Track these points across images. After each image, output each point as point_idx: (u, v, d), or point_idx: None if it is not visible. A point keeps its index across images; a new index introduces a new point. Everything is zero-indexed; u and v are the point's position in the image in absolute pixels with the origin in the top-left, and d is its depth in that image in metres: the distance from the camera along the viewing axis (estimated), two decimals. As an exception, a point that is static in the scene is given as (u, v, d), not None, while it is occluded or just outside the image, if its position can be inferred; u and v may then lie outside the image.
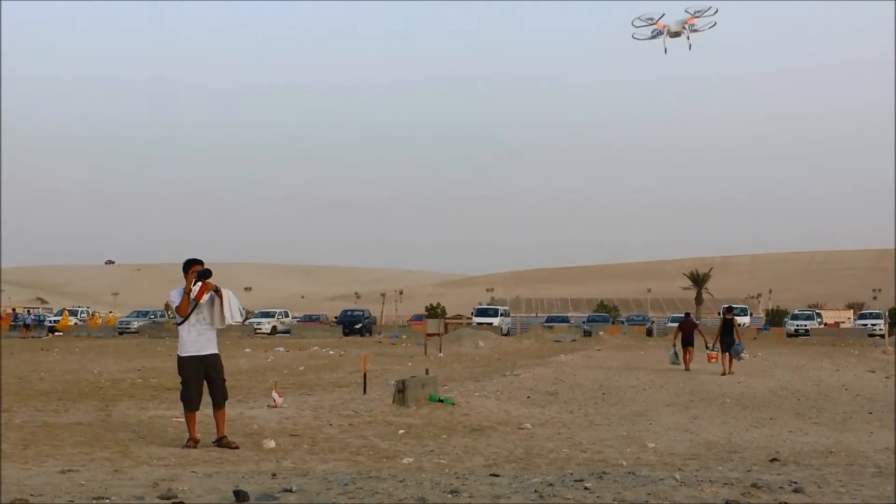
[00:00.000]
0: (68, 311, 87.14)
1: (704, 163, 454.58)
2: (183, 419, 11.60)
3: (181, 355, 11.22)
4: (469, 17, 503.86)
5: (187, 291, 11.04)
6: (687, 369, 27.66)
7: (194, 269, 11.05)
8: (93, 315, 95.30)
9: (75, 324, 77.41)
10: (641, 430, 13.82)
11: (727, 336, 27.07)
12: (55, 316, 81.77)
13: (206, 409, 11.40)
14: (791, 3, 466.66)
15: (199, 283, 11.05)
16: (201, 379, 11.22)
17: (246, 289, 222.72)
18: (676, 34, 34.60)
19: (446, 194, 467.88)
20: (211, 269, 11.15)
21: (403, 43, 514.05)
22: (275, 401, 15.36)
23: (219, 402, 11.31)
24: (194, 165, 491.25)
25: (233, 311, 11.23)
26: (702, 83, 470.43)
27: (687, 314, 31.84)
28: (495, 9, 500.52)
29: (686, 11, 34.65)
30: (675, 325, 30.71)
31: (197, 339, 11.14)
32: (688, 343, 28.74)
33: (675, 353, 28.48)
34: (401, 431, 13.02)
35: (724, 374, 25.71)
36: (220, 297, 11.13)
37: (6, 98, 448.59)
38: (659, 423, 14.69)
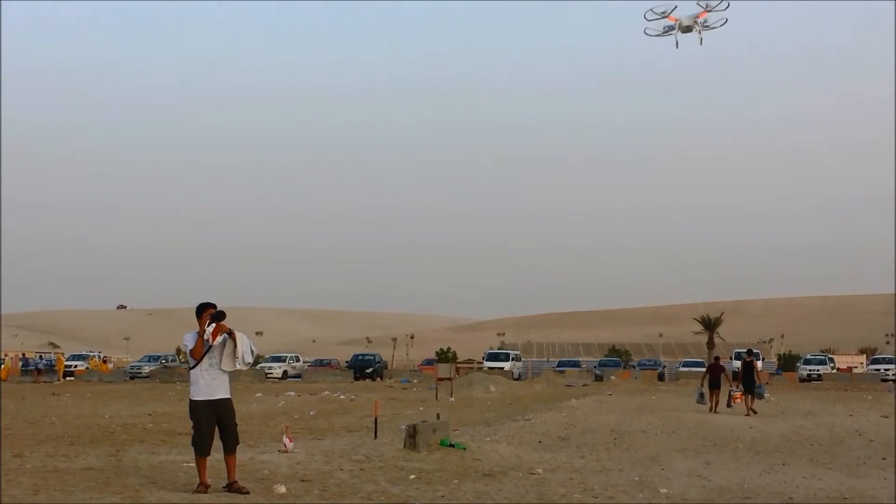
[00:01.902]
0: (63, 355, 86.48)
1: (716, 207, 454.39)
2: (194, 464, 11.58)
3: (193, 399, 11.21)
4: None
5: (201, 334, 11.06)
6: (714, 411, 28.48)
7: (208, 312, 11.07)
8: (104, 360, 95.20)
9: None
10: (654, 476, 13.75)
11: (748, 378, 28.53)
12: (75, 361, 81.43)
13: (217, 453, 11.38)
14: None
15: (214, 325, 11.07)
16: (213, 423, 11.19)
17: (257, 333, 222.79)
18: (688, 29, 34.46)
19: (457, 239, 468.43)
20: (224, 311, 11.17)
21: (420, 89, 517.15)
22: (286, 445, 15.34)
23: (230, 447, 11.28)
24: (205, 210, 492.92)
25: (244, 353, 11.23)
26: (710, 125, 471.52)
27: (717, 357, 32.50)
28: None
29: (698, 5, 34.51)
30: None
31: (209, 384, 11.12)
32: (715, 385, 29.47)
33: (702, 395, 29.44)
34: (412, 476, 12.97)
35: (747, 414, 26.78)
36: (234, 339, 11.14)
37: (13, 143, 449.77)
38: (671, 469, 14.62)
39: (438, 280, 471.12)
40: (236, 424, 11.45)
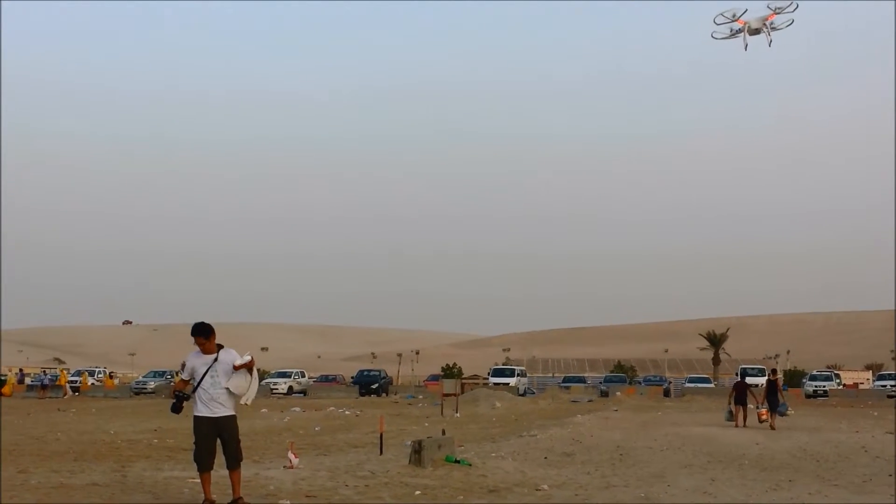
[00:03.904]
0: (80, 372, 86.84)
1: (721, 224, 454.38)
2: (199, 480, 11.57)
3: (194, 415, 11.24)
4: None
5: (202, 351, 11.16)
6: (741, 425, 29.81)
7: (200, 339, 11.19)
8: (110, 375, 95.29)
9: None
10: (659, 493, 13.73)
11: (772, 396, 30.34)
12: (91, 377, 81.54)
13: (222, 469, 11.37)
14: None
15: (249, 356, 11.18)
16: (213, 440, 11.19)
17: (263, 349, 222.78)
18: (756, 31, 34.60)
19: (463, 255, 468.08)
20: (207, 324, 11.22)
21: (418, 109, 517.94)
22: (290, 461, 15.34)
23: (232, 463, 11.28)
24: (210, 226, 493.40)
25: (251, 392, 11.33)
26: (714, 133, 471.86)
27: (742, 375, 33.86)
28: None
29: (767, 7, 34.61)
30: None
31: (209, 402, 11.14)
32: (741, 402, 30.90)
33: (730, 412, 30.89)
34: (417, 493, 12.96)
35: (772, 428, 28.68)
36: (251, 373, 11.23)
37: (14, 155, 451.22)
38: (676, 485, 14.59)
39: (443, 296, 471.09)
40: (239, 441, 11.44)
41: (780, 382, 33.05)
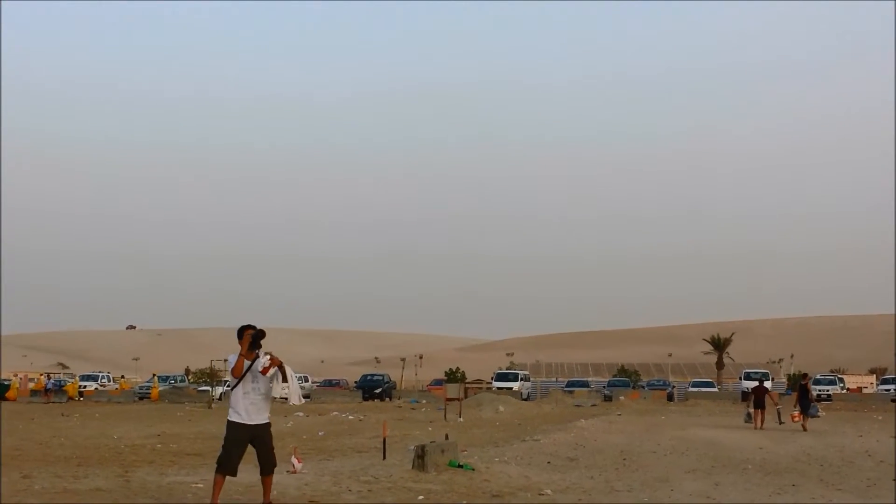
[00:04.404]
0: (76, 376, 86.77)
1: (725, 226, 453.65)
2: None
3: (230, 420, 11.19)
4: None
5: (242, 354, 11.06)
6: (759, 428, 31.21)
7: (248, 333, 11.10)
8: (122, 377, 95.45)
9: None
10: (663, 497, 13.72)
11: (804, 399, 32.01)
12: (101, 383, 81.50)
13: (245, 476, 11.36)
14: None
15: (268, 357, 11.09)
16: (244, 447, 11.16)
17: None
18: None
19: (466, 258, 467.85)
20: (264, 330, 11.21)
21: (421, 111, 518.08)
22: (294, 466, 15.35)
23: (266, 469, 11.27)
24: (214, 231, 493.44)
25: (292, 393, 11.32)
26: (722, 151, 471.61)
27: (761, 380, 35.91)
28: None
29: None
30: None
31: (248, 408, 11.08)
32: (759, 405, 32.50)
33: (749, 414, 32.79)
34: (420, 497, 12.96)
35: (804, 429, 30.22)
36: (284, 373, 11.20)
37: (14, 162, 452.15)
38: (681, 490, 14.58)
39: (447, 300, 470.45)
40: (273, 448, 11.42)
41: (810, 386, 34.99)
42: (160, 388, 67.34)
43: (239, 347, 11.09)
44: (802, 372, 36.90)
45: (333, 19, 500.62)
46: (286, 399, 11.42)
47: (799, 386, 34.09)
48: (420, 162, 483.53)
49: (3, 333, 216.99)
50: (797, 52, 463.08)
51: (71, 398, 64.37)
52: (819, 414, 33.11)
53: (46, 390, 65.87)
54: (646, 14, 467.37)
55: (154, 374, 77.62)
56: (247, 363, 11.05)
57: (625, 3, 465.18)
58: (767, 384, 36.60)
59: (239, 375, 11.04)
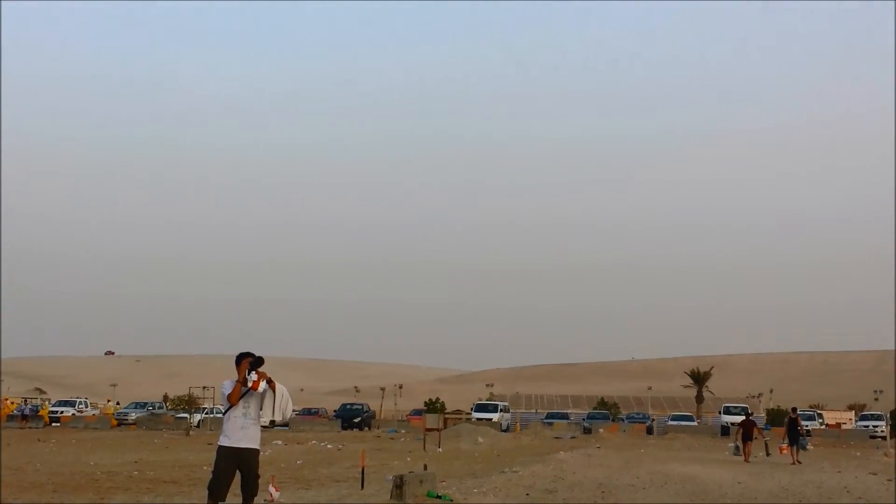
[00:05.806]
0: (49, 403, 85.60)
1: (705, 264, 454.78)
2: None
3: (219, 444, 11.17)
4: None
5: (240, 381, 11.05)
6: (746, 461, 32.61)
7: (247, 361, 11.11)
8: (108, 402, 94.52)
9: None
10: (640, 531, 13.71)
11: (793, 432, 33.34)
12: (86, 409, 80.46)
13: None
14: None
15: (254, 373, 11.09)
16: (233, 471, 11.12)
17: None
18: None
19: (446, 290, 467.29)
20: (262, 357, 11.20)
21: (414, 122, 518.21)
22: (272, 495, 15.29)
23: (246, 497, 11.24)
24: (194, 258, 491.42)
25: (284, 409, 11.30)
26: (696, 192, 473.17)
27: (749, 414, 38.19)
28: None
29: None
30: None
31: (237, 432, 11.09)
32: (747, 438, 33.87)
33: (737, 447, 34.42)
34: (398, 528, 12.91)
35: (793, 463, 31.39)
36: (274, 389, 11.18)
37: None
38: (658, 524, 14.57)
39: (427, 331, 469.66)
40: (258, 476, 11.38)
41: (800, 420, 36.08)
42: (138, 415, 66.88)
43: (236, 374, 11.11)
44: (791, 407, 38.72)
45: (330, 17, 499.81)
46: (274, 422, 11.39)
47: (788, 420, 35.16)
48: (398, 196, 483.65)
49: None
50: (797, 51, 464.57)
51: (47, 424, 63.87)
52: (808, 447, 34.55)
53: (23, 416, 65.34)
54: (644, 13, 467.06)
55: (108, 400, 76.73)
56: (242, 389, 11.05)
57: (625, 4, 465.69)
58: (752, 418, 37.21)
59: (235, 402, 11.04)
